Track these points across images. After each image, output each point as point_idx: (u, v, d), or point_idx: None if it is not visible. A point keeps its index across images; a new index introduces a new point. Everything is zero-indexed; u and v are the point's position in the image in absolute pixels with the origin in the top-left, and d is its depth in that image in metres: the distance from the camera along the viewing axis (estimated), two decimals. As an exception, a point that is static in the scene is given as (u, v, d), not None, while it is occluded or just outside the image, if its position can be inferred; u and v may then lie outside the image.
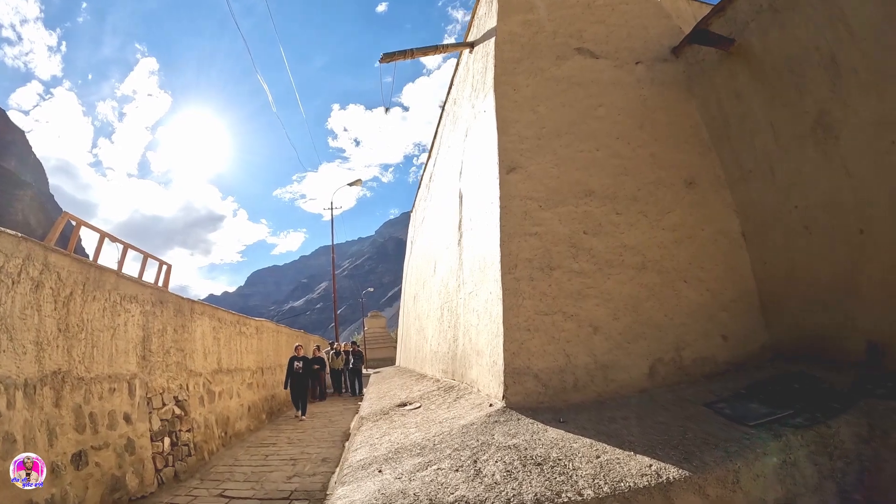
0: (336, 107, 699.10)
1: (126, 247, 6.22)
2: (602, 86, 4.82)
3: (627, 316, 3.95)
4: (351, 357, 14.50)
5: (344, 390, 14.51)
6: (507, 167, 4.41)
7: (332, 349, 15.12)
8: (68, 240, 5.10)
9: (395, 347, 26.32)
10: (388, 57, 6.49)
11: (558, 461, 2.69)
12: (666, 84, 4.87)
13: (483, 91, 5.35)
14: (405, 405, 5.39)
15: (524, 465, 2.68)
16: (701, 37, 4.23)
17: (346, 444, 4.79)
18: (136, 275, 6.16)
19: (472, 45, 6.75)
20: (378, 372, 14.01)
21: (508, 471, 2.64)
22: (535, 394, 3.68)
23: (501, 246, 4.11)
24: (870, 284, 3.33)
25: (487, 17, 5.78)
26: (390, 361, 23.03)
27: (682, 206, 4.36)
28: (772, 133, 4.00)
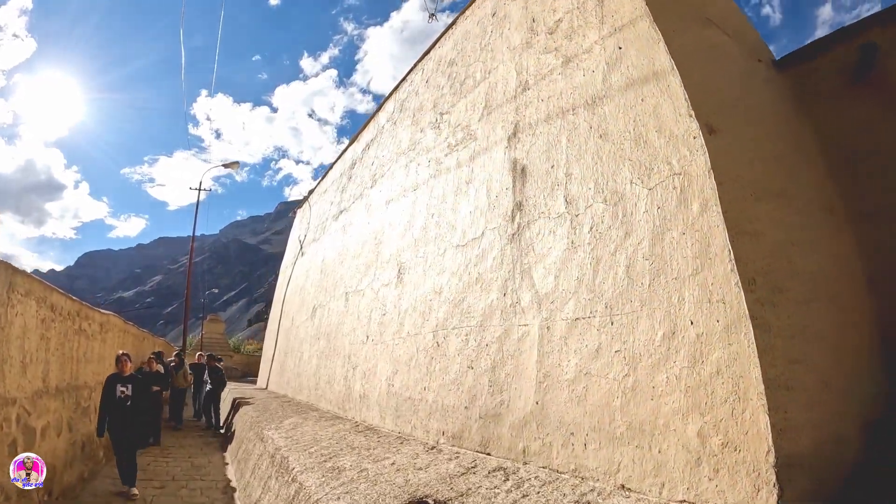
0: (204, 93, 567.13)
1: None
2: (743, 70, 3.89)
3: (840, 366, 2.91)
4: (209, 375, 10.16)
5: (199, 419, 10.46)
6: (707, 126, 2.92)
7: (179, 360, 10.06)
8: None
9: (233, 357, 25.99)
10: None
11: None
12: (781, 96, 4.29)
13: (607, 23, 3.75)
14: None
15: None
16: (868, 52, 3.76)
17: None
18: None
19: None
20: (248, 400, 9.65)
21: None
22: (809, 493, 2.22)
23: (733, 244, 2.55)
24: None
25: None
26: (229, 372, 19.61)
27: (830, 234, 3.69)
28: (914, 173, 3.73)
